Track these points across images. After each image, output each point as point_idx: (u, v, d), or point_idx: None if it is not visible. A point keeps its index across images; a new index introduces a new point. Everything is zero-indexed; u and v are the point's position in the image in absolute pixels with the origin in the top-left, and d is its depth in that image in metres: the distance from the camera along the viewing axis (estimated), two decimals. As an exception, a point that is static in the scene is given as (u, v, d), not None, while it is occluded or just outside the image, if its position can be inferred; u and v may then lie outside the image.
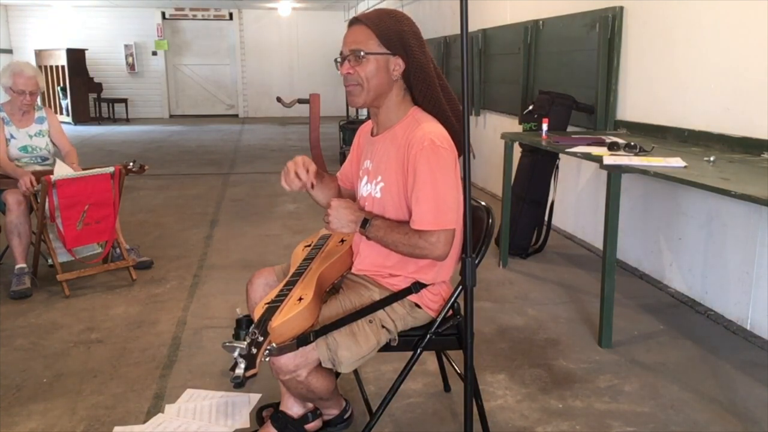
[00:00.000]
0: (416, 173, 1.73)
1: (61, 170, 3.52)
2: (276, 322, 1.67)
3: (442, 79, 1.86)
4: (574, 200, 4.63)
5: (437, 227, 1.72)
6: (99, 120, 13.64)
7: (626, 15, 3.91)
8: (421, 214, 1.73)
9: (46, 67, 13.22)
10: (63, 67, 12.68)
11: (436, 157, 1.72)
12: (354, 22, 1.83)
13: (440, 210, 1.72)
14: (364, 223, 1.79)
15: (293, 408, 2.06)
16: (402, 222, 1.80)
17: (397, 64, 1.79)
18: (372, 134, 1.95)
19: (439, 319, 1.89)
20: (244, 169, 7.79)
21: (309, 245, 2.13)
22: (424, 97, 1.83)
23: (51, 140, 3.83)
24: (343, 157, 7.91)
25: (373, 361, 2.21)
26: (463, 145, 1.71)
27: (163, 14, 14.39)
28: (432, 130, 1.77)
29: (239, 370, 1.58)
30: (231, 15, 14.75)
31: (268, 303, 1.77)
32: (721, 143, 3.12)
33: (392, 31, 1.77)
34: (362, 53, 1.77)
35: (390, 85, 1.82)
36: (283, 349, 1.68)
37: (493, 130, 5.96)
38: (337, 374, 1.95)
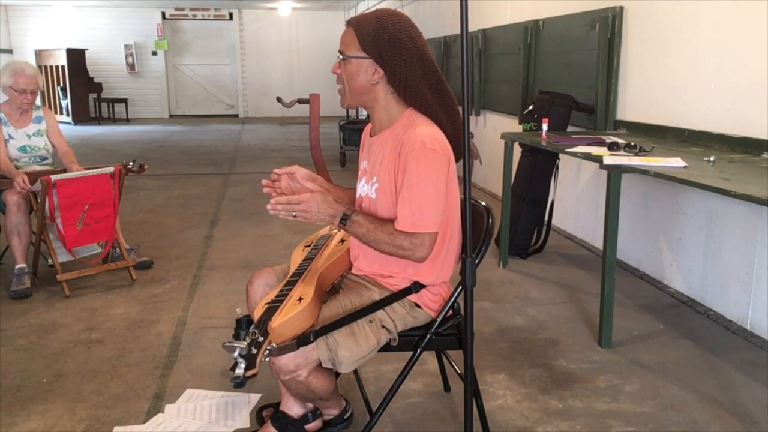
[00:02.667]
0: (405, 174, 1.73)
1: None
2: (276, 322, 1.67)
3: (443, 83, 1.84)
4: (574, 200, 4.63)
5: (421, 229, 1.72)
6: (99, 120, 13.64)
7: (626, 15, 3.91)
8: (405, 216, 1.73)
9: (46, 67, 13.20)
10: (63, 67, 12.68)
11: (426, 159, 1.72)
12: (347, 23, 1.85)
13: (424, 213, 1.72)
14: (344, 218, 1.76)
15: (293, 408, 2.06)
16: (386, 221, 1.79)
17: (376, 70, 1.79)
18: (371, 135, 1.95)
19: (439, 319, 1.89)
20: (244, 169, 7.79)
21: (309, 245, 2.13)
22: (410, 102, 1.83)
23: (49, 140, 3.83)
24: (343, 157, 7.92)
25: (373, 361, 2.21)
26: (461, 148, 1.71)
27: (163, 14, 14.39)
28: (425, 131, 1.76)
29: (239, 370, 1.58)
30: (231, 15, 14.75)
31: (268, 303, 1.77)
32: (721, 143, 3.12)
33: (371, 37, 1.76)
34: (342, 56, 1.81)
35: (371, 88, 1.82)
36: (283, 349, 1.68)
37: (493, 130, 5.96)
38: (337, 374, 1.95)
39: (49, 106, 13.37)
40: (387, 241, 1.74)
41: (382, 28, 1.76)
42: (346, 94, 1.86)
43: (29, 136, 3.74)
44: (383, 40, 1.75)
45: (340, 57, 1.82)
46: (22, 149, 3.70)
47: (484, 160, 6.02)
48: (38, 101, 3.92)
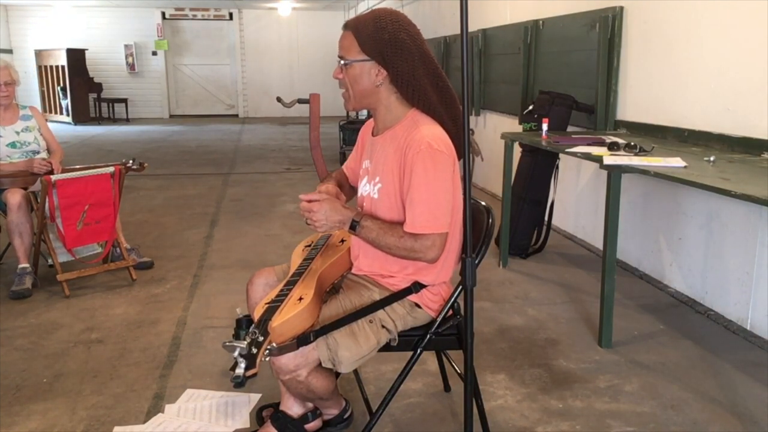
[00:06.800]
0: (412, 176, 1.73)
1: None
2: (276, 321, 1.67)
3: (444, 80, 1.85)
4: (574, 200, 4.63)
5: (431, 230, 1.72)
6: (99, 120, 13.64)
7: (626, 15, 3.91)
8: (415, 217, 1.73)
9: (46, 67, 13.22)
10: (63, 67, 12.68)
11: (433, 160, 1.72)
12: (343, 27, 1.84)
13: (433, 214, 1.72)
14: (354, 224, 1.77)
15: (293, 408, 2.06)
16: (394, 224, 1.79)
17: (379, 71, 1.79)
18: (373, 134, 1.95)
19: (439, 319, 1.89)
20: (244, 169, 7.79)
21: (309, 245, 2.13)
22: (413, 101, 1.83)
23: (41, 135, 3.82)
24: (343, 157, 7.92)
25: (373, 361, 2.21)
26: (463, 147, 1.71)
27: (163, 14, 14.39)
28: (430, 132, 1.76)
29: (239, 370, 1.58)
30: (231, 15, 14.75)
31: (268, 303, 1.77)
32: (721, 143, 3.12)
33: (371, 39, 1.76)
34: (343, 61, 1.81)
35: (374, 90, 1.81)
36: (283, 349, 1.68)
37: (493, 130, 5.96)
38: (337, 374, 1.95)
39: (49, 106, 13.40)
40: (397, 244, 1.74)
41: (382, 29, 1.76)
42: (350, 98, 1.85)
43: (17, 133, 3.72)
44: (384, 41, 1.75)
45: (342, 62, 1.81)
46: (12, 145, 3.68)
47: (484, 160, 6.02)
48: (18, 99, 3.88)
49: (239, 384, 1.57)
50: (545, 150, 3.85)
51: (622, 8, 3.92)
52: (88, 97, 13.46)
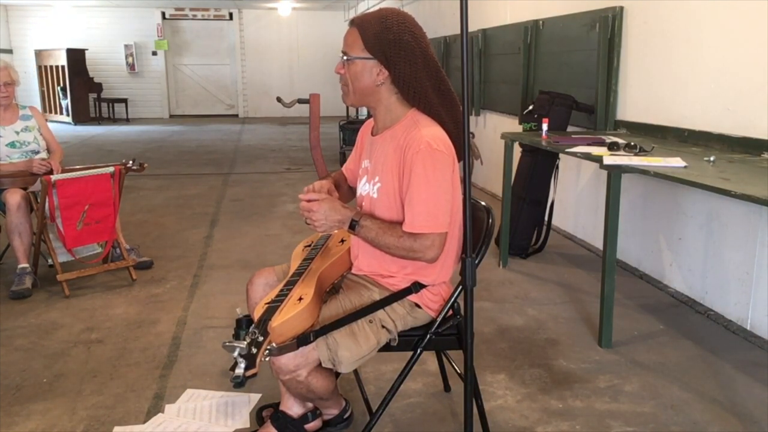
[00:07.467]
0: (411, 175, 1.73)
1: None
2: (276, 321, 1.68)
3: (446, 83, 1.85)
4: (574, 200, 4.63)
5: (430, 230, 1.72)
6: (99, 120, 13.64)
7: (626, 15, 3.91)
8: (414, 217, 1.73)
9: (46, 67, 13.22)
10: (63, 67, 12.68)
11: (432, 159, 1.72)
12: (350, 23, 1.84)
13: (432, 213, 1.72)
14: (353, 224, 1.77)
15: (293, 408, 2.06)
16: (394, 223, 1.79)
17: (380, 71, 1.79)
18: (372, 134, 1.95)
19: (439, 319, 1.89)
20: (244, 169, 7.79)
21: (309, 245, 2.13)
22: (413, 103, 1.83)
23: (40, 135, 3.82)
24: (343, 157, 7.92)
25: (373, 361, 2.21)
26: (463, 149, 1.71)
27: (163, 14, 14.40)
28: (430, 132, 1.76)
29: (239, 370, 1.58)
30: (231, 15, 14.75)
31: (268, 303, 1.77)
32: (721, 143, 3.12)
33: (376, 38, 1.76)
34: (346, 57, 1.80)
35: (375, 88, 1.81)
36: (283, 349, 1.68)
37: (493, 130, 5.96)
38: (337, 374, 1.95)
39: (50, 106, 13.40)
40: (396, 244, 1.74)
41: (387, 29, 1.75)
42: (350, 93, 1.86)
43: (17, 132, 3.72)
44: (388, 41, 1.75)
45: (344, 58, 1.81)
46: (11, 145, 3.68)
47: (484, 160, 6.01)
48: (18, 99, 3.88)
49: (239, 384, 1.57)
50: (545, 150, 3.85)
51: (622, 8, 3.92)
52: (88, 97, 13.46)
